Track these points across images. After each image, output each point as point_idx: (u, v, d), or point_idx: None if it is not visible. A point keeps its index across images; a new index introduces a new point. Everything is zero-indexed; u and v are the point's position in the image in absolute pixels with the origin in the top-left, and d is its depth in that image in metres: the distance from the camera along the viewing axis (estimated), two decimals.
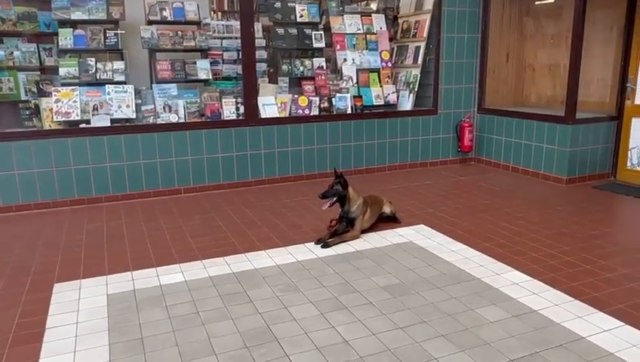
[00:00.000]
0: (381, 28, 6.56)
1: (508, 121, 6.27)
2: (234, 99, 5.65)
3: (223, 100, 5.63)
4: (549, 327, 2.70)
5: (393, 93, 6.45)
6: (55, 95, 5.10)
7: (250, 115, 5.65)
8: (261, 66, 6.01)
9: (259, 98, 5.72)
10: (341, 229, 4.04)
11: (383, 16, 6.68)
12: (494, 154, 6.53)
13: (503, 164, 6.39)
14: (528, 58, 6.79)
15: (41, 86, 5.33)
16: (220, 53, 6.03)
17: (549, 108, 6.20)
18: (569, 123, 5.52)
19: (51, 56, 5.50)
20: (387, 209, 4.39)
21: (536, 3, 6.63)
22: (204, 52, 5.95)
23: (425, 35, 6.40)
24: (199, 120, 5.55)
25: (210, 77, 5.83)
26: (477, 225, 4.36)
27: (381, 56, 6.48)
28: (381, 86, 6.42)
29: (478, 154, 6.78)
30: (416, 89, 6.46)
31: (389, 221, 4.40)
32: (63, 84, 5.22)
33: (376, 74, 6.43)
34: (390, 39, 6.71)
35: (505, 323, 2.74)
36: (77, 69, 5.29)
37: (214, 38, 6.05)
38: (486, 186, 5.64)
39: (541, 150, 5.85)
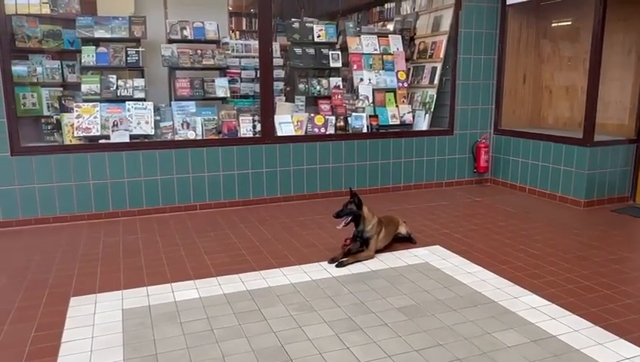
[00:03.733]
0: (398, 48, 6.60)
1: (524, 142, 6.23)
2: (251, 117, 5.71)
3: (240, 118, 5.69)
4: (569, 354, 2.65)
5: (409, 113, 6.46)
6: (76, 111, 5.20)
7: (267, 132, 5.71)
8: (278, 85, 6.08)
9: (275, 116, 5.78)
10: (355, 249, 4.02)
11: (400, 37, 6.73)
12: (510, 176, 6.48)
13: (519, 186, 6.34)
14: (545, 80, 6.77)
15: (63, 102, 5.44)
16: (238, 71, 6.10)
17: (566, 130, 6.15)
18: (587, 145, 5.47)
19: (74, 72, 5.62)
20: (403, 229, 4.37)
21: (553, 25, 6.64)
22: (222, 70, 6.03)
23: (441, 55, 6.44)
24: (216, 137, 5.61)
25: (228, 95, 5.90)
26: (493, 247, 4.32)
27: (397, 77, 6.51)
28: (397, 106, 6.43)
29: (494, 175, 6.74)
30: (432, 109, 6.47)
31: (404, 241, 4.38)
32: (85, 100, 5.32)
33: (393, 94, 6.45)
34: (407, 60, 6.75)
35: (523, 349, 2.69)
36: (98, 85, 5.39)
37: (233, 57, 6.14)
38: (502, 208, 5.59)
39: (558, 172, 5.79)
